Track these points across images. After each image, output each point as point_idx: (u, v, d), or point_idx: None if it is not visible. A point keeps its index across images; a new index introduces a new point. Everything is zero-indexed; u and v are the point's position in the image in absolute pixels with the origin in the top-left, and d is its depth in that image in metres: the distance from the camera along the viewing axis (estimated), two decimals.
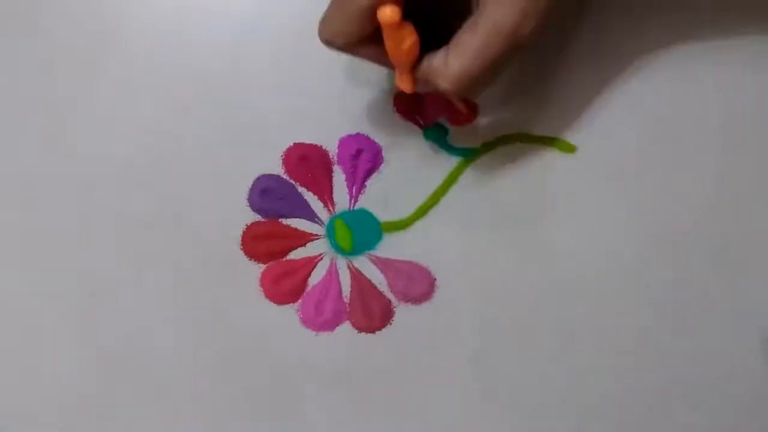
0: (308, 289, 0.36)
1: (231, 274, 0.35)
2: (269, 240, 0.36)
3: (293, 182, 0.36)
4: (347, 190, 0.36)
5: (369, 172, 0.37)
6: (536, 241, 0.36)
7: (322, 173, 0.36)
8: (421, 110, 0.37)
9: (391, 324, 0.35)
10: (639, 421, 0.35)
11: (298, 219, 0.36)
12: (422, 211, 0.36)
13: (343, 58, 0.38)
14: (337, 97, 0.37)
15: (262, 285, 0.36)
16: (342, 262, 0.36)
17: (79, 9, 0.38)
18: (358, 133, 0.37)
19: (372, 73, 0.37)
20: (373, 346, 0.35)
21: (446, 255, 0.36)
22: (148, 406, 0.34)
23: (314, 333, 0.35)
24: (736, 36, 0.39)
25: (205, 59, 0.37)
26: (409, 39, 0.28)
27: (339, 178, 0.37)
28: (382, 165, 0.37)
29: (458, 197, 0.36)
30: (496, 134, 0.37)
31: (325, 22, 0.29)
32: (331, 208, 0.36)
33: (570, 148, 0.37)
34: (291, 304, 0.36)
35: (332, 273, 0.36)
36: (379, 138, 0.37)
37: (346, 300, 0.36)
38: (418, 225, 0.36)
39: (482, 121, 0.37)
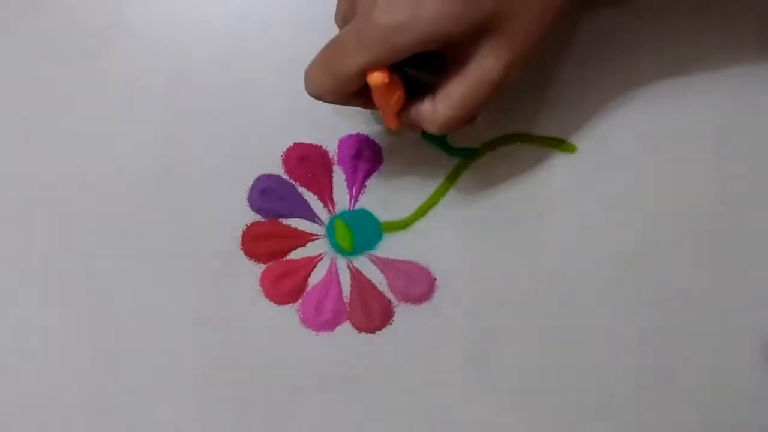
0: (308, 289, 0.36)
1: (231, 274, 0.35)
2: (269, 240, 0.36)
3: (293, 182, 0.36)
4: (347, 190, 0.36)
5: (369, 172, 0.37)
6: (536, 240, 0.36)
7: (322, 173, 0.36)
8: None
9: (391, 324, 0.35)
10: (638, 421, 0.35)
11: (298, 219, 0.36)
12: (422, 211, 0.36)
13: None
14: None
15: (262, 285, 0.36)
16: (342, 262, 0.36)
17: (79, 9, 0.38)
18: (358, 133, 0.37)
19: None
20: (373, 346, 0.35)
21: (446, 255, 0.36)
22: (148, 406, 0.34)
23: (314, 333, 0.35)
24: (736, 35, 0.39)
25: (205, 59, 0.37)
26: (396, 92, 0.29)
27: (339, 178, 0.37)
28: (382, 165, 0.37)
29: (458, 197, 0.36)
30: (496, 134, 0.37)
31: (312, 81, 0.30)
32: (331, 208, 0.36)
33: (570, 148, 0.37)
34: (291, 304, 0.36)
35: (332, 273, 0.36)
36: (379, 138, 0.37)
37: (346, 300, 0.36)
38: (418, 225, 0.36)
39: (482, 121, 0.37)
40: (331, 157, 0.37)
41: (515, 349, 0.35)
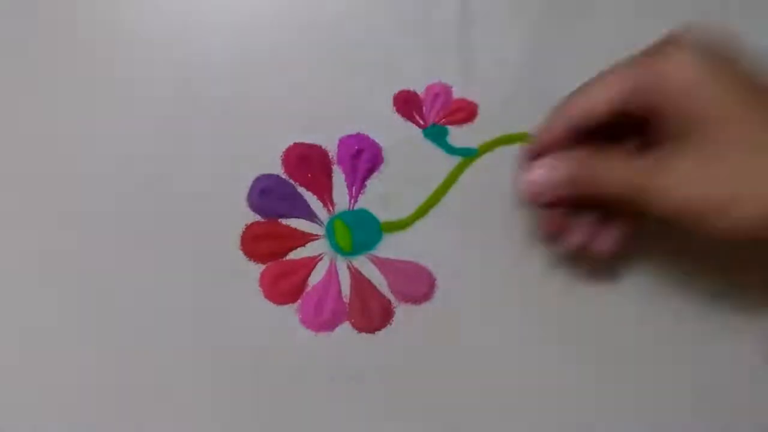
0: (308, 289, 0.36)
1: (230, 274, 0.35)
2: (269, 240, 0.36)
3: (293, 182, 0.36)
4: (347, 190, 0.36)
5: (369, 172, 0.37)
6: (536, 240, 0.36)
7: (322, 173, 0.36)
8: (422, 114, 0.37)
9: (391, 324, 0.35)
10: (639, 421, 0.35)
11: (297, 219, 0.36)
12: (422, 211, 0.36)
13: (343, 59, 0.38)
14: (337, 97, 0.37)
15: (262, 285, 0.35)
16: (342, 263, 0.36)
17: (79, 9, 0.38)
18: (358, 133, 0.37)
19: (372, 73, 0.38)
20: (373, 346, 0.35)
21: (446, 255, 0.36)
22: (148, 406, 0.34)
23: (314, 333, 0.35)
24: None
25: (205, 59, 0.37)
26: None
27: (339, 178, 0.37)
28: (382, 165, 0.37)
29: (458, 197, 0.36)
30: (496, 134, 0.37)
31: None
32: (330, 208, 0.36)
33: None
34: (290, 304, 0.35)
35: (332, 273, 0.36)
36: (379, 138, 0.37)
37: (346, 300, 0.36)
38: (418, 225, 0.36)
39: (482, 121, 0.37)
40: (330, 157, 0.37)
41: (515, 349, 0.35)
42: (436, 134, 0.37)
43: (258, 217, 0.36)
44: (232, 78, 0.37)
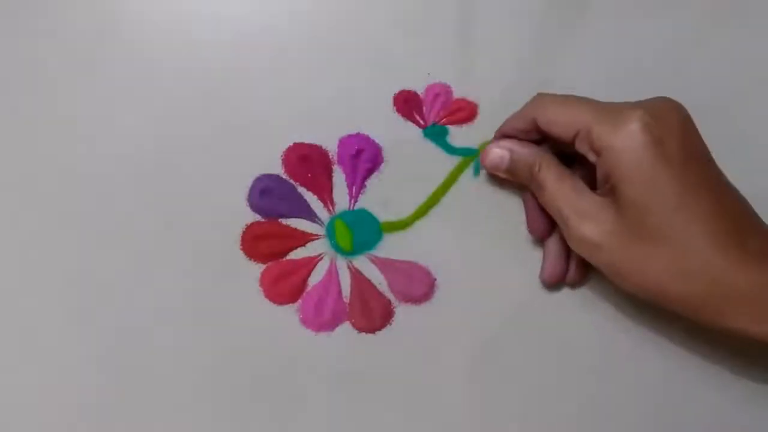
0: (308, 289, 0.36)
1: (231, 274, 0.35)
2: (269, 240, 0.36)
3: (293, 182, 0.36)
4: (347, 190, 0.36)
5: (369, 172, 0.37)
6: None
7: (322, 173, 0.36)
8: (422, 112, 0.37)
9: (391, 324, 0.35)
10: (640, 420, 0.35)
11: (297, 219, 0.36)
12: (422, 211, 0.36)
13: (343, 59, 0.38)
14: (337, 97, 0.37)
15: (262, 285, 0.35)
16: (342, 263, 0.36)
17: (78, 8, 0.38)
18: (358, 133, 0.37)
19: (372, 73, 0.38)
20: (373, 346, 0.35)
21: (446, 255, 0.36)
22: (148, 406, 0.34)
23: (314, 333, 0.35)
24: (735, 35, 0.39)
25: (205, 59, 0.37)
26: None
27: (339, 178, 0.37)
28: (382, 165, 0.37)
29: (458, 197, 0.36)
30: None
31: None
32: (331, 208, 0.36)
33: None
34: (291, 304, 0.35)
35: (332, 273, 0.36)
36: (379, 138, 0.37)
37: (346, 300, 0.36)
38: (418, 225, 0.36)
39: (482, 121, 0.37)
40: (331, 157, 0.37)
41: (515, 350, 0.35)
42: (436, 134, 0.37)
43: (258, 217, 0.36)
44: (232, 78, 0.37)
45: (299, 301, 0.35)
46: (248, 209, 0.36)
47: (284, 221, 0.36)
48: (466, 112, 0.37)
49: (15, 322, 0.35)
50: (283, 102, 0.37)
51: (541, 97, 0.34)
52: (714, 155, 0.31)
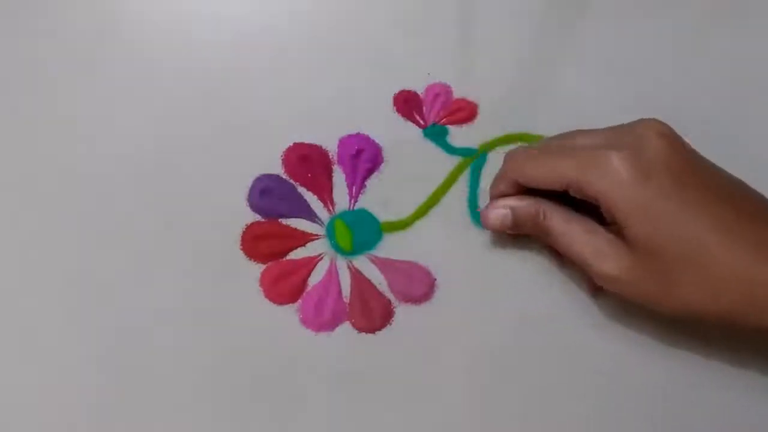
0: (308, 289, 0.36)
1: (231, 274, 0.35)
2: (269, 240, 0.36)
3: (293, 182, 0.36)
4: (347, 190, 0.36)
5: (369, 172, 0.37)
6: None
7: (322, 173, 0.36)
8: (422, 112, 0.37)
9: (391, 324, 0.35)
10: (641, 420, 0.35)
11: (297, 219, 0.36)
12: (422, 211, 0.36)
13: (343, 59, 0.38)
14: (337, 97, 0.37)
15: (262, 285, 0.35)
16: (342, 262, 0.36)
17: (78, 8, 0.38)
18: (358, 133, 0.37)
19: (372, 73, 0.38)
20: (373, 346, 0.35)
21: (446, 255, 0.36)
22: (148, 406, 0.34)
23: (314, 333, 0.35)
24: (735, 35, 0.39)
25: (205, 59, 0.37)
26: None
27: (339, 178, 0.37)
28: (382, 165, 0.37)
29: (458, 197, 0.36)
30: (496, 134, 0.37)
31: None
32: (331, 208, 0.36)
33: None
34: (291, 304, 0.35)
35: (332, 273, 0.36)
36: (379, 138, 0.37)
37: (346, 300, 0.36)
38: (418, 225, 0.36)
39: (482, 121, 0.37)
40: (331, 157, 0.37)
41: (516, 349, 0.35)
42: (436, 134, 0.37)
43: (258, 217, 0.36)
44: (232, 78, 0.37)
45: (299, 301, 0.35)
46: (248, 209, 0.36)
47: (284, 221, 0.36)
48: (466, 112, 0.37)
49: (15, 322, 0.35)
50: (283, 102, 0.37)
51: (512, 157, 0.34)
52: (714, 156, 0.31)
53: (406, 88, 0.37)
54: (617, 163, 0.30)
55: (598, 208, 0.31)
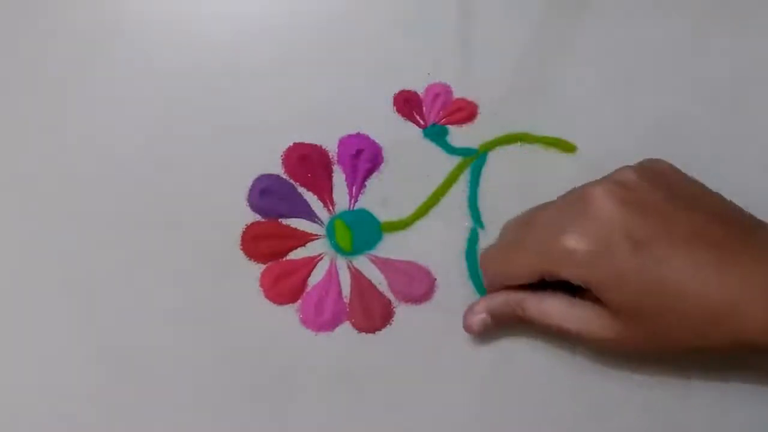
0: (308, 289, 0.36)
1: (231, 274, 0.35)
2: (269, 240, 0.36)
3: (293, 182, 0.36)
4: (347, 190, 0.36)
5: (369, 172, 0.37)
6: None
7: (322, 173, 0.36)
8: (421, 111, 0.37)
9: (391, 324, 0.35)
10: (642, 421, 0.35)
11: (297, 219, 0.36)
12: (422, 211, 0.36)
13: (343, 59, 0.38)
14: (337, 97, 0.37)
15: (262, 285, 0.35)
16: (342, 262, 0.36)
17: (78, 7, 0.38)
18: (358, 133, 0.37)
19: (372, 73, 0.38)
20: (373, 346, 0.35)
21: (446, 255, 0.36)
22: (148, 406, 0.34)
23: (314, 333, 0.35)
24: (735, 35, 0.39)
25: (205, 59, 0.37)
26: None
27: (339, 178, 0.37)
28: (382, 165, 0.37)
29: (458, 197, 0.36)
30: (496, 134, 0.37)
31: (488, 271, 0.35)
32: (331, 208, 0.36)
33: (570, 148, 0.37)
34: (291, 304, 0.35)
35: (332, 273, 0.36)
36: (379, 138, 0.37)
37: (346, 300, 0.36)
38: (418, 225, 0.36)
39: (482, 121, 0.37)
40: (331, 157, 0.37)
41: (516, 349, 0.35)
42: (436, 134, 0.37)
43: (258, 217, 0.36)
44: (232, 78, 0.37)
45: (299, 301, 0.35)
46: (248, 209, 0.36)
47: (284, 221, 0.36)
48: (466, 112, 0.37)
49: (15, 322, 0.35)
50: (283, 102, 0.37)
51: (482, 261, 0.35)
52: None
53: (406, 88, 0.37)
54: (573, 245, 0.30)
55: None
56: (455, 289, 0.36)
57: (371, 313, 0.35)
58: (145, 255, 0.35)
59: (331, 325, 0.35)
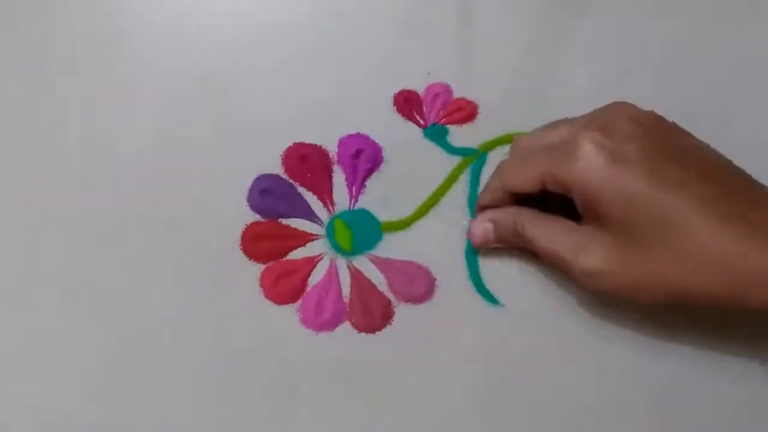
0: (308, 289, 0.36)
1: (231, 274, 0.35)
2: (269, 240, 0.36)
3: (293, 182, 0.36)
4: (347, 190, 0.37)
5: (369, 172, 0.37)
6: None
7: (322, 173, 0.36)
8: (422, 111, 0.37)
9: (391, 324, 0.35)
10: (644, 421, 0.35)
11: (297, 219, 0.36)
12: (422, 211, 0.36)
13: (343, 59, 0.38)
14: (336, 97, 0.37)
15: (262, 285, 0.35)
16: (342, 262, 0.36)
17: (80, 8, 0.38)
18: (358, 133, 0.37)
19: (372, 73, 0.38)
20: (373, 346, 0.35)
21: (446, 255, 0.36)
22: (148, 406, 0.34)
23: (314, 333, 0.35)
24: (735, 35, 0.39)
25: (206, 59, 0.37)
26: None
27: (339, 178, 0.37)
28: (382, 165, 0.37)
29: (458, 197, 0.36)
30: (496, 134, 0.37)
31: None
32: (331, 208, 0.36)
33: None
34: (291, 304, 0.35)
35: (332, 273, 0.36)
36: (379, 138, 0.37)
37: (346, 300, 0.36)
38: (418, 225, 0.36)
39: (482, 121, 0.37)
40: (331, 157, 0.37)
41: (516, 349, 0.35)
42: (436, 134, 0.37)
43: (258, 217, 0.36)
44: (232, 78, 0.37)
45: (299, 301, 0.35)
46: (248, 209, 0.36)
47: (284, 221, 0.36)
48: (466, 112, 0.37)
49: (15, 322, 0.35)
50: (283, 102, 0.37)
51: (500, 165, 0.35)
52: None
53: (406, 88, 0.37)
54: (586, 148, 0.29)
55: (577, 212, 0.31)
56: (455, 289, 0.36)
57: (371, 313, 0.35)
58: (145, 255, 0.35)
59: (331, 325, 0.35)
